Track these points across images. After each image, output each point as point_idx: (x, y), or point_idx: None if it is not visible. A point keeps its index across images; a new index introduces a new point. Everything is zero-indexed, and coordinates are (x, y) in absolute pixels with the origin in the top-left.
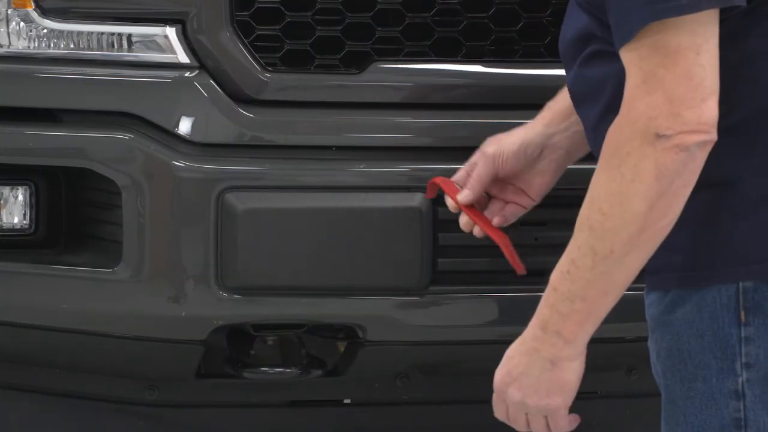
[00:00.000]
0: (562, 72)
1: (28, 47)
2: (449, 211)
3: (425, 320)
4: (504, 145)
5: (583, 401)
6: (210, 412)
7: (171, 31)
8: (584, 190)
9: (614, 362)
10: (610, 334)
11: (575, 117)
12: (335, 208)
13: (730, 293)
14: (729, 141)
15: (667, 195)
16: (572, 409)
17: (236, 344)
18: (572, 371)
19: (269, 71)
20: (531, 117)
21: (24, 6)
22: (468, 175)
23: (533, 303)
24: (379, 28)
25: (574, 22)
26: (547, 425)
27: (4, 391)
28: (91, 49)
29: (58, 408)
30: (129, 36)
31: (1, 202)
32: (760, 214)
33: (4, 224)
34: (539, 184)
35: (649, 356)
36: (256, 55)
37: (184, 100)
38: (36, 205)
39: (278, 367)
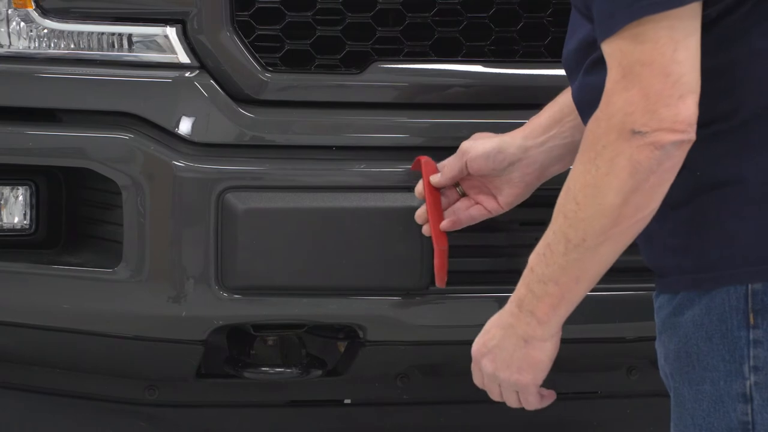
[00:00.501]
0: (562, 72)
1: (29, 47)
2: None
3: (425, 320)
4: (478, 144)
5: (583, 401)
6: (210, 412)
7: (171, 31)
8: None
9: (614, 362)
10: (611, 334)
11: (554, 132)
12: (335, 208)
13: (739, 295)
14: (733, 141)
15: (642, 191)
16: (572, 409)
17: (236, 344)
18: (544, 351)
19: (269, 71)
20: (530, 117)
21: (24, 6)
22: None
23: None
24: (379, 28)
25: (576, 33)
26: (519, 399)
27: (3, 390)
28: (91, 49)
29: (58, 408)
30: (129, 36)
31: (1, 202)
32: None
33: (4, 224)
34: (509, 193)
35: (655, 357)
36: (257, 55)
37: (184, 100)
38: (36, 205)
39: (278, 367)
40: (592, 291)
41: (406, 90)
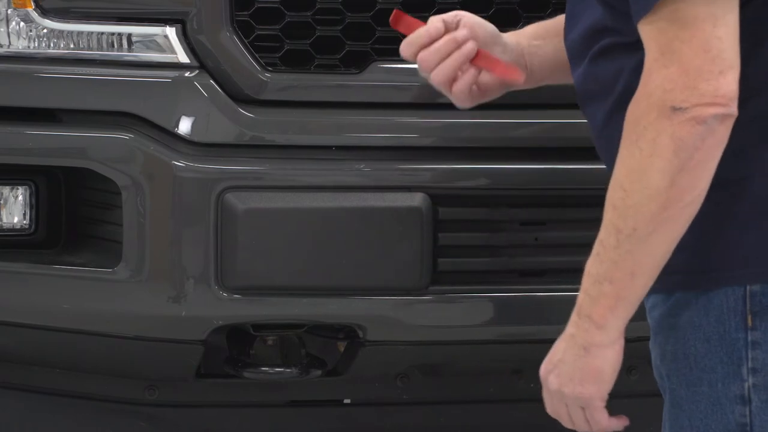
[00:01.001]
0: None
1: (28, 47)
2: (449, 211)
3: (425, 320)
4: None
5: None
6: (210, 412)
7: (171, 31)
8: (584, 190)
9: None
10: None
11: (539, 42)
12: (335, 208)
13: (738, 296)
14: (737, 139)
15: (688, 170)
16: None
17: (236, 344)
18: (605, 359)
19: (269, 71)
20: (530, 117)
21: (24, 6)
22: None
23: (533, 303)
24: (379, 28)
25: (580, 19)
26: (587, 419)
27: (3, 390)
28: (91, 49)
29: (58, 408)
30: (129, 36)
31: (1, 202)
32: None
33: (4, 224)
34: (538, 63)
35: (651, 357)
36: (256, 55)
37: (184, 100)
38: (36, 205)
39: (278, 367)
40: None
41: (406, 90)
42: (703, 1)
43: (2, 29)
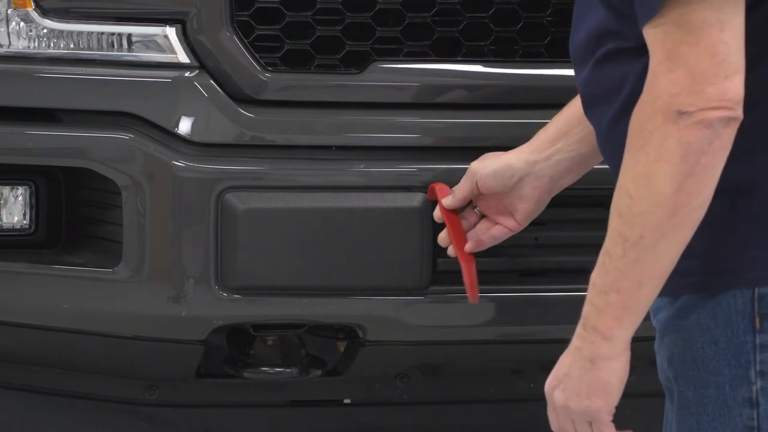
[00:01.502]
0: (562, 72)
1: (28, 47)
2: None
3: (425, 320)
4: (486, 163)
5: None
6: (210, 412)
7: (171, 31)
8: (584, 190)
9: None
10: None
11: (560, 145)
12: (335, 208)
13: (746, 299)
14: (745, 142)
15: (695, 175)
16: None
17: (236, 344)
18: (612, 372)
19: (269, 71)
20: (530, 117)
21: (24, 6)
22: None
23: (533, 303)
24: (379, 28)
25: (586, 22)
26: None
27: (3, 390)
28: (91, 49)
29: (58, 408)
30: (129, 36)
31: (1, 202)
32: None
33: (4, 224)
34: (523, 209)
35: (654, 357)
36: (256, 55)
37: (184, 100)
38: (36, 205)
39: (278, 367)
40: None
41: (406, 90)
42: (710, 5)
43: (2, 29)
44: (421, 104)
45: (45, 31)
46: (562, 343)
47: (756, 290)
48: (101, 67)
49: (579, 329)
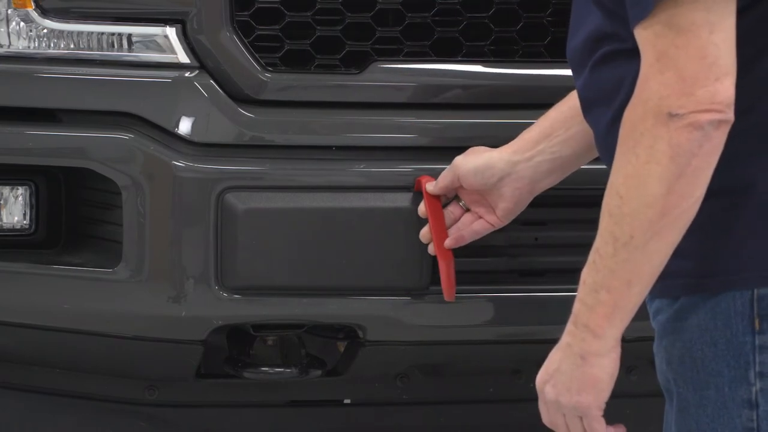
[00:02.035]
0: (561, 72)
1: (28, 47)
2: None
3: (425, 320)
4: (469, 159)
5: None
6: (210, 412)
7: (171, 31)
8: (584, 190)
9: None
10: None
11: (542, 147)
12: (335, 208)
13: (745, 300)
14: (744, 144)
15: (685, 176)
16: None
17: (236, 344)
18: (602, 368)
19: (269, 71)
20: (530, 117)
21: (24, 6)
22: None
23: (533, 303)
24: (379, 28)
25: (582, 26)
26: (585, 429)
27: (3, 390)
28: (91, 49)
29: (58, 408)
30: (129, 36)
31: (1, 202)
32: None
33: (4, 224)
34: (503, 207)
35: (655, 361)
36: (256, 55)
37: (184, 100)
38: (36, 205)
39: (278, 367)
40: None
41: (406, 90)
42: (700, 6)
43: (2, 29)
44: (421, 104)
45: (45, 31)
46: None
47: (755, 291)
48: (101, 67)
49: (569, 326)
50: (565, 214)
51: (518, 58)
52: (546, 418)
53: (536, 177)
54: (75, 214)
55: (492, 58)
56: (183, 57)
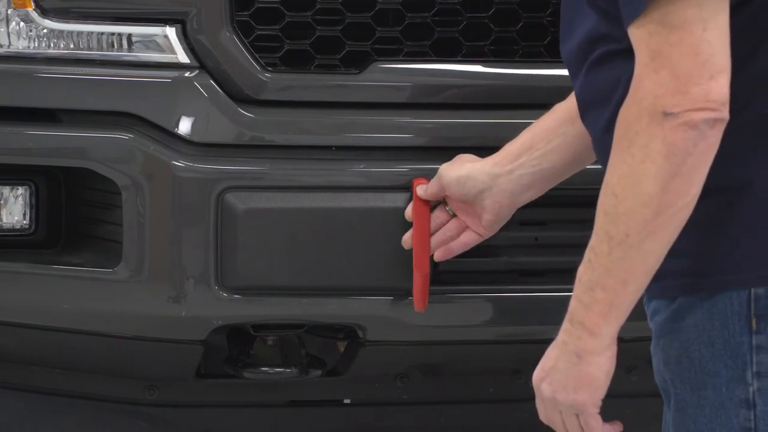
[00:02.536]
0: (561, 72)
1: (28, 47)
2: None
3: (425, 320)
4: (453, 168)
5: None
6: (210, 412)
7: (171, 31)
8: (584, 190)
9: None
10: None
11: (523, 160)
12: (335, 208)
13: (742, 300)
14: (739, 142)
15: (680, 175)
16: None
17: (236, 344)
18: (598, 366)
19: (269, 71)
20: (530, 117)
21: (24, 6)
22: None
23: (533, 303)
24: (379, 28)
25: (576, 29)
26: (582, 426)
27: (3, 390)
28: (91, 49)
29: (58, 408)
30: (129, 36)
31: (1, 202)
32: None
33: (4, 224)
34: (486, 219)
35: (652, 361)
36: (256, 55)
37: (184, 100)
38: (36, 205)
39: (278, 367)
40: None
41: (406, 90)
42: (692, 3)
43: (2, 29)
44: (421, 104)
45: (45, 31)
46: None
47: (752, 291)
48: (101, 67)
49: (566, 323)
50: (565, 214)
51: (518, 58)
52: (543, 416)
53: (517, 190)
54: (75, 214)
55: (492, 58)
56: (183, 57)
